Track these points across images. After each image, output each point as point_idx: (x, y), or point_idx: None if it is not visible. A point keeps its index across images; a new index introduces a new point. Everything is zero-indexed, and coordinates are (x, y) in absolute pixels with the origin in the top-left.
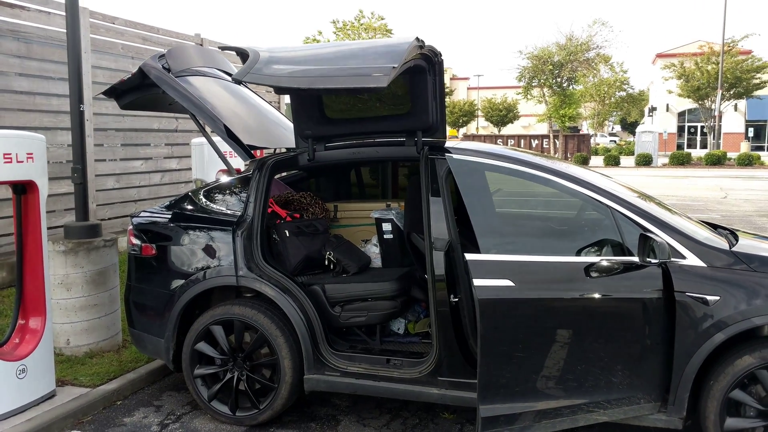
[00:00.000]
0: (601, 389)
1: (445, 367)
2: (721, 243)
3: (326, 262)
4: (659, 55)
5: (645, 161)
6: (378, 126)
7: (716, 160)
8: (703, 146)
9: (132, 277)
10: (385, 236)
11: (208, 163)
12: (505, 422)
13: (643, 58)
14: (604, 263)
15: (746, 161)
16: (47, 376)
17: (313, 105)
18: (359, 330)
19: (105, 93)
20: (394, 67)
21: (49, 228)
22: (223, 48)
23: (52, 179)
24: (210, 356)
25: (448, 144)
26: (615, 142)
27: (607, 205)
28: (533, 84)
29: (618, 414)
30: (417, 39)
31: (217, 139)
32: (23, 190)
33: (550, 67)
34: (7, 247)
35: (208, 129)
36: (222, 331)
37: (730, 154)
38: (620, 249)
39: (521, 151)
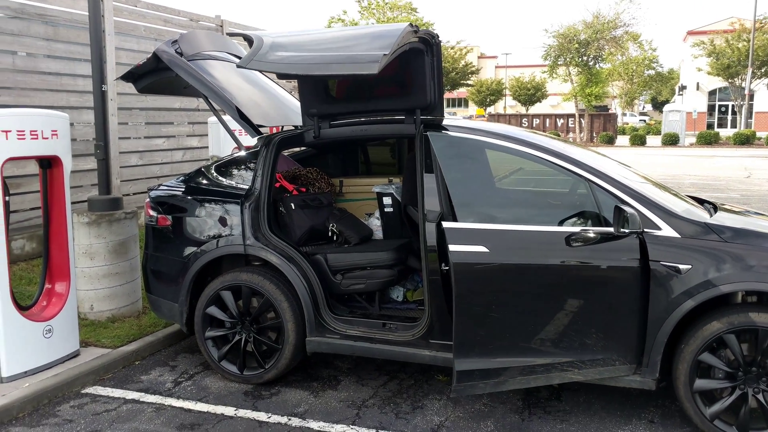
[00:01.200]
0: (575, 350)
1: (437, 331)
2: (699, 215)
3: (329, 234)
4: (690, 33)
5: (672, 141)
6: (379, 105)
7: (745, 140)
8: (734, 125)
9: (149, 246)
10: (385, 209)
11: (224, 140)
12: (479, 377)
13: (674, 36)
14: (580, 232)
15: None
16: (72, 337)
17: (319, 85)
18: (359, 297)
19: (122, 77)
20: (385, 54)
21: (75, 202)
22: (231, 34)
23: (79, 156)
24: (220, 319)
25: (444, 122)
26: (645, 121)
27: (587, 179)
28: (559, 63)
29: (593, 374)
30: (410, 25)
31: (227, 117)
32: (49, 164)
33: (576, 45)
34: (37, 220)
35: (218, 108)
36: (231, 296)
37: (759, 134)
38: (598, 220)
39: (519, 130)
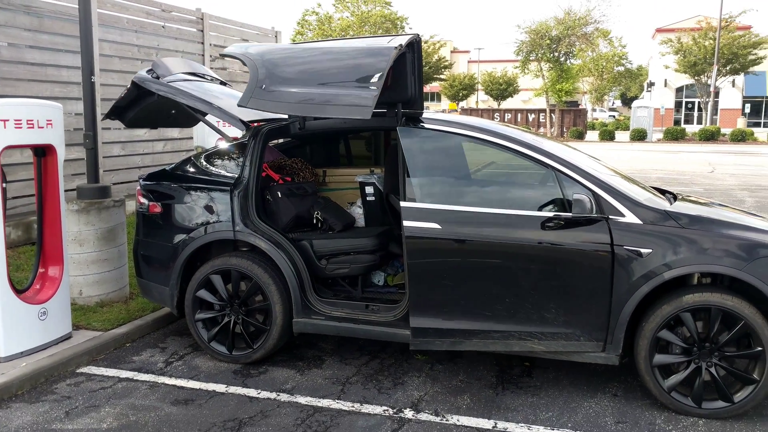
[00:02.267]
0: (533, 321)
1: None
2: (660, 203)
3: (314, 221)
4: (659, 30)
5: (639, 136)
6: None
7: (710, 136)
8: (700, 122)
9: (140, 232)
10: (367, 198)
11: (208, 132)
12: (434, 335)
13: (643, 33)
14: (543, 217)
15: (739, 137)
16: (65, 319)
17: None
18: (343, 281)
19: (108, 115)
20: (375, 96)
21: None
22: (223, 55)
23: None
24: (210, 302)
25: (423, 115)
26: (614, 117)
27: (553, 167)
28: (531, 58)
29: (556, 347)
30: (396, 47)
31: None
32: (43, 152)
33: (548, 41)
34: (23, 208)
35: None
36: (221, 280)
37: (724, 130)
38: (562, 206)
39: (491, 123)
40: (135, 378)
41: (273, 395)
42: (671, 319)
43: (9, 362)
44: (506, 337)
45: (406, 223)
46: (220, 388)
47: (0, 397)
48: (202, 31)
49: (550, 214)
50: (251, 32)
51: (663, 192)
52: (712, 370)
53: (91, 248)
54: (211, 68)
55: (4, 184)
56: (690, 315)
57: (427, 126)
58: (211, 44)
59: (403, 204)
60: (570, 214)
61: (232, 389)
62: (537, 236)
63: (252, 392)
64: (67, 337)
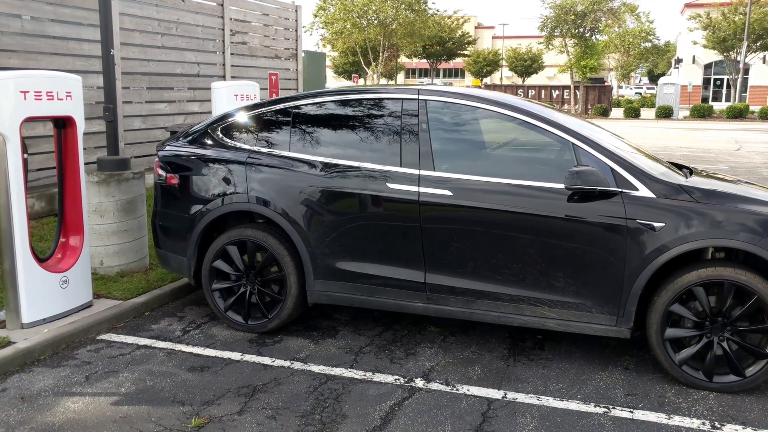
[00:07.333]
0: (542, 288)
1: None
2: (675, 177)
3: None
4: (687, 5)
5: (665, 113)
6: None
7: (738, 114)
8: (729, 99)
9: (158, 204)
10: None
11: (227, 105)
12: (448, 292)
13: (672, 8)
14: (550, 187)
15: None
16: (85, 288)
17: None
18: None
19: None
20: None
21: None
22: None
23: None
24: (226, 272)
25: (437, 88)
26: (640, 94)
27: (568, 140)
28: (555, 34)
29: (568, 316)
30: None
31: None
32: (63, 124)
33: (573, 16)
34: (45, 180)
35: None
36: (236, 250)
37: (753, 108)
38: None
39: (506, 96)
40: (153, 345)
41: (287, 363)
42: (683, 293)
43: (32, 328)
44: (516, 300)
45: (423, 189)
46: (236, 356)
47: (23, 362)
48: (222, 5)
49: (562, 186)
50: (271, 6)
51: (680, 167)
52: (724, 344)
53: (112, 219)
54: (231, 43)
55: (25, 156)
56: (703, 289)
57: (440, 99)
58: (231, 18)
59: (422, 172)
60: (582, 186)
61: (247, 357)
62: (550, 207)
63: (266, 360)
64: (87, 305)
